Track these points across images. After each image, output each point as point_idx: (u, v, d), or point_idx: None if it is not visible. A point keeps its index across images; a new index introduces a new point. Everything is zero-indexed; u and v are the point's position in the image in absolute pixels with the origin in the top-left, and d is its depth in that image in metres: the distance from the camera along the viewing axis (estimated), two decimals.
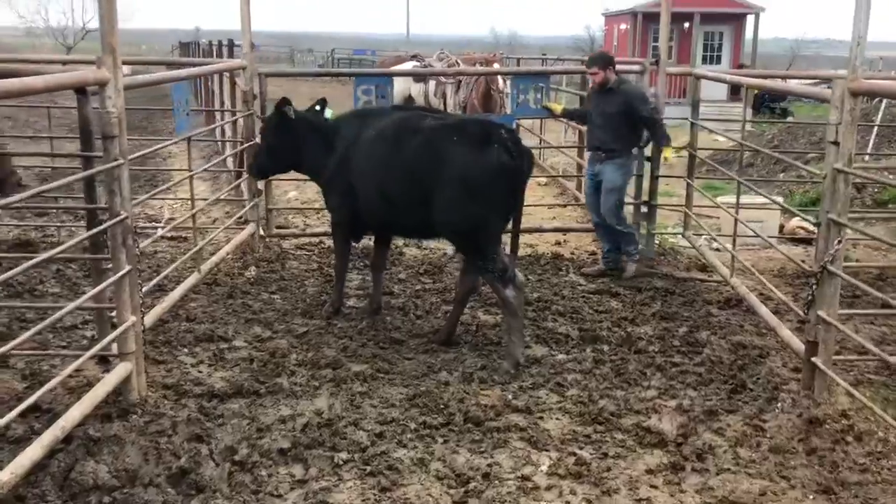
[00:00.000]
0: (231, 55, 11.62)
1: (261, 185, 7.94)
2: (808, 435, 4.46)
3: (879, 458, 4.18)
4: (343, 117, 6.49)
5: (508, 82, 14.54)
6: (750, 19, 28.44)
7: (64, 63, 9.24)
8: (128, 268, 4.43)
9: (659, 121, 7.47)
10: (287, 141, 6.34)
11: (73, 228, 8.78)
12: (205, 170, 8.88)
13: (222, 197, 8.72)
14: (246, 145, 7.78)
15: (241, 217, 8.15)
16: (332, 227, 6.53)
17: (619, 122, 7.35)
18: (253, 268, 7.49)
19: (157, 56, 42.29)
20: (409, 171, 5.59)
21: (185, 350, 5.61)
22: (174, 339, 5.77)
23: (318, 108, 6.48)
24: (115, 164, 4.25)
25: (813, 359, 4.89)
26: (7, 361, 5.16)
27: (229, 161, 10.13)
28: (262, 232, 8.12)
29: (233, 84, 10.35)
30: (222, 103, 12.67)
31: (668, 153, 7.55)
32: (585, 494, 3.89)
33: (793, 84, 7.90)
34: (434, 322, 6.26)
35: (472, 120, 6.40)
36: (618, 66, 7.62)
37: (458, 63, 16.84)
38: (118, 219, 4.33)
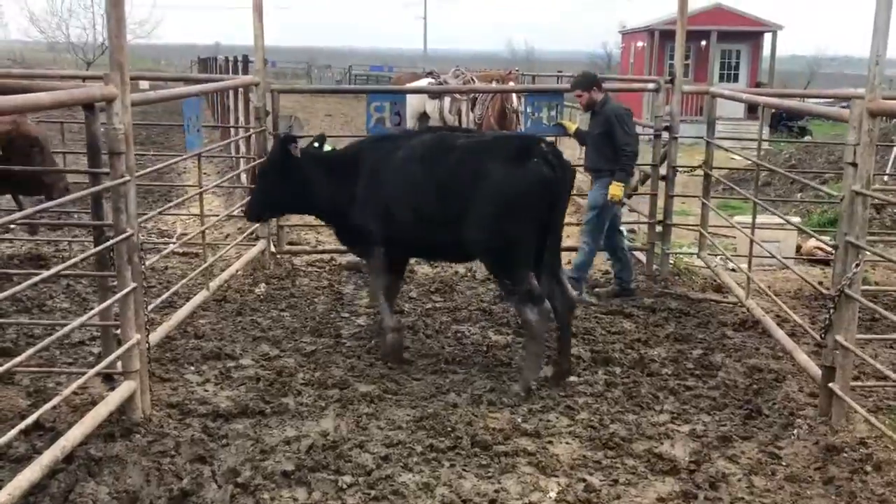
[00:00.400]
0: (246, 71, 11.62)
1: None
2: (825, 463, 4.35)
3: None
4: (362, 144, 6.29)
5: (523, 100, 14.52)
6: (767, 37, 28.30)
7: (83, 79, 9.28)
8: (133, 285, 4.39)
9: (628, 153, 7.11)
10: (294, 180, 5.97)
11: (85, 243, 8.80)
12: (216, 186, 8.83)
13: (234, 213, 8.68)
14: (259, 161, 7.75)
15: (252, 233, 8.11)
16: (369, 258, 6.03)
17: (603, 142, 7.19)
18: (263, 284, 7.45)
19: (175, 71, 42.62)
20: (446, 188, 5.43)
21: (192, 368, 5.56)
22: (181, 356, 5.73)
23: (316, 144, 6.18)
24: (121, 181, 4.22)
25: (830, 384, 4.77)
26: (13, 378, 5.12)
27: (243, 177, 10.14)
28: (272, 248, 8.09)
29: (246, 100, 10.38)
30: (237, 119, 12.70)
31: (615, 191, 7.05)
32: None
33: (810, 104, 7.80)
34: (444, 341, 6.18)
35: (511, 135, 6.20)
36: (635, 84, 7.56)
37: (473, 80, 16.82)
38: (123, 236, 4.30)
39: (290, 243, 8.78)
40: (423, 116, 16.15)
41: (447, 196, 5.42)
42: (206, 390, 5.21)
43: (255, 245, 7.93)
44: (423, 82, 17.14)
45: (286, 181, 5.96)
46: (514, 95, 13.91)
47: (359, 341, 6.15)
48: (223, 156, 9.85)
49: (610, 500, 3.98)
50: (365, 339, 6.17)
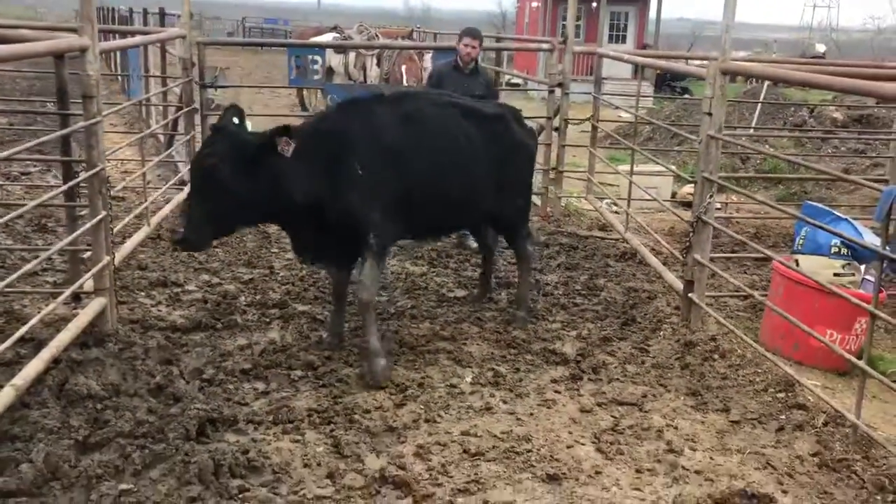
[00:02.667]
0: (162, 24, 11.97)
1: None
2: (683, 354, 5.42)
3: (738, 368, 5.16)
4: (338, 114, 5.13)
5: (428, 57, 15.34)
6: (654, 1, 29.75)
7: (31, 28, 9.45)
8: (103, 213, 5.02)
9: None
10: (262, 183, 4.60)
11: (7, 188, 9.16)
12: (152, 133, 9.27)
13: (163, 159, 9.19)
14: (185, 110, 8.29)
15: (178, 179, 8.66)
16: (372, 255, 4.94)
17: None
18: None
19: (55, 20, 41.07)
20: (495, 158, 5.47)
21: (143, 293, 6.19)
22: (130, 284, 6.33)
23: (235, 120, 4.71)
24: (94, 121, 4.83)
25: (689, 295, 5.85)
26: None
27: (154, 125, 10.57)
28: None
29: (163, 53, 10.77)
30: (146, 70, 12.97)
31: None
32: (502, 397, 4.73)
33: (678, 64, 8.90)
34: None
35: (501, 103, 6.32)
36: (531, 44, 8.40)
37: (377, 36, 17.48)
38: (95, 170, 4.91)
39: None
40: (329, 71, 16.70)
41: (489, 165, 5.46)
42: (160, 310, 5.88)
43: (183, 189, 8.48)
44: (328, 37, 17.68)
45: (253, 187, 4.59)
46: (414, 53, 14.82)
47: (291, 271, 6.88)
48: (164, 104, 10.25)
49: (514, 382, 4.93)
50: (296, 270, 6.91)
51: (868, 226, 5.94)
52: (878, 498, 3.85)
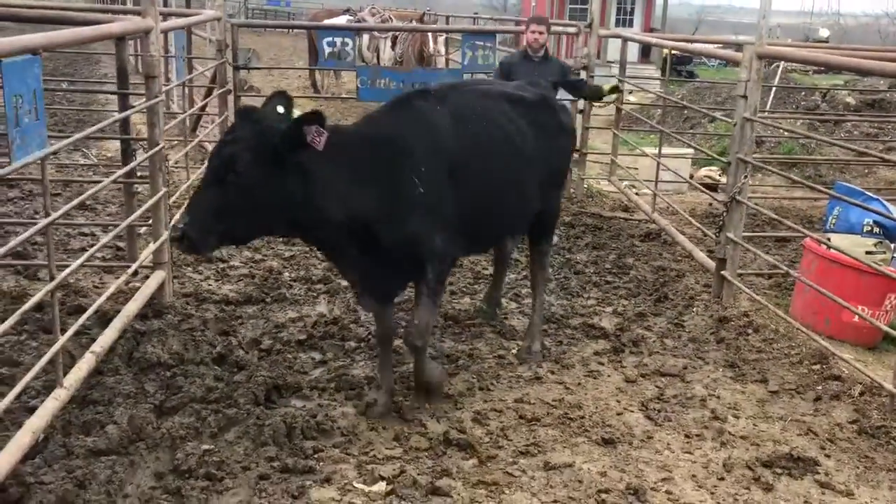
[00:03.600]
0: (188, 5, 12.11)
1: None
2: (718, 329, 5.62)
3: (772, 342, 5.37)
4: (388, 116, 4.28)
5: (440, 40, 15.53)
6: None
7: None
8: (164, 189, 5.20)
9: None
10: (288, 185, 3.75)
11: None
12: (194, 112, 9.43)
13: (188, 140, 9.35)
14: (220, 91, 8.44)
15: None
16: (429, 289, 4.26)
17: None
18: None
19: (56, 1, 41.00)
20: (548, 152, 4.82)
21: (190, 268, 6.38)
22: (177, 259, 6.50)
23: (280, 109, 3.88)
24: (157, 100, 5.00)
25: (722, 272, 6.05)
26: (37, 275, 5.86)
27: (174, 106, 10.69)
28: None
29: (189, 35, 10.90)
30: (166, 51, 13.07)
31: None
32: (549, 368, 4.94)
33: (710, 48, 9.06)
34: None
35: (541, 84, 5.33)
36: (557, 28, 8.56)
37: (391, 18, 17.62)
38: (157, 148, 5.09)
39: None
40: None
41: (547, 162, 4.84)
42: (210, 285, 6.07)
43: None
44: (342, 19, 17.80)
45: (276, 188, 3.73)
46: (429, 37, 14.98)
47: None
48: (191, 85, 10.40)
49: (559, 354, 5.14)
50: None
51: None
52: None
